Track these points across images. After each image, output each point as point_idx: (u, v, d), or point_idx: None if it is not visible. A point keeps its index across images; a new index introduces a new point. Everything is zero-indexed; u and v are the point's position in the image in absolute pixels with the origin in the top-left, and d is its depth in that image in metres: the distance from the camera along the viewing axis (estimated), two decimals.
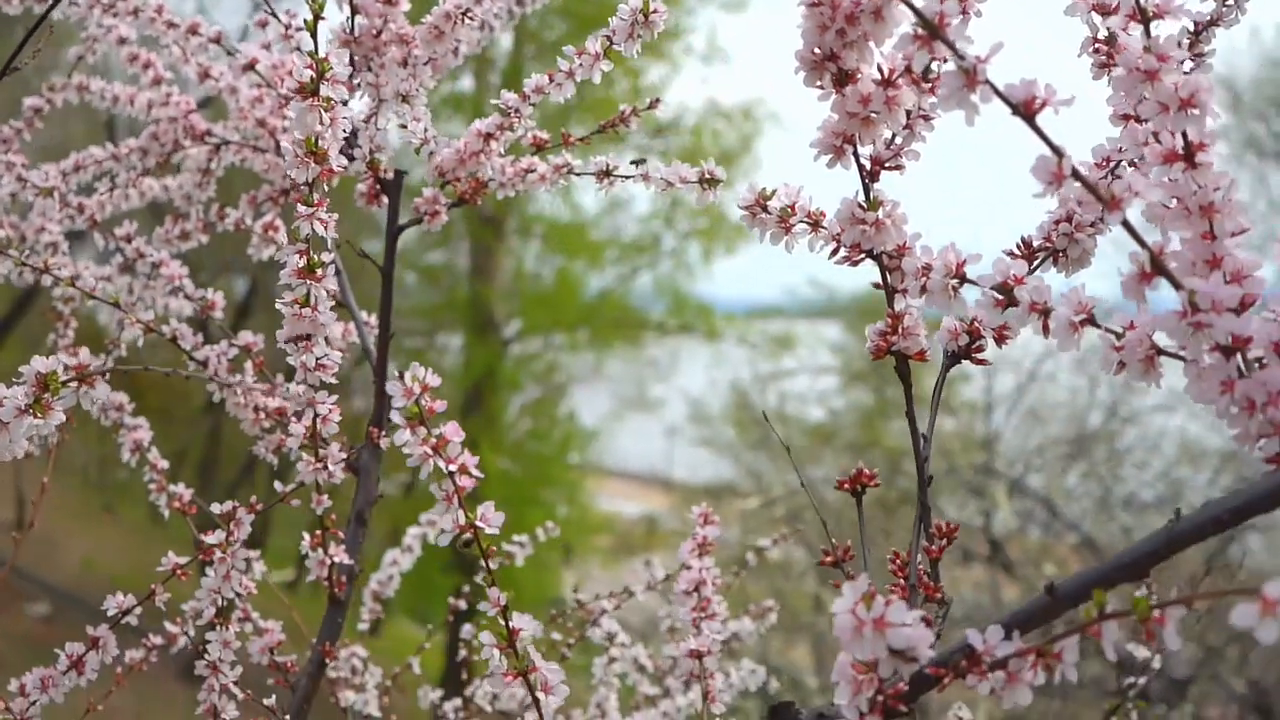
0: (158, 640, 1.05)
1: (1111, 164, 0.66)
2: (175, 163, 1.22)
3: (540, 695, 0.62)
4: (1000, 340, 0.65)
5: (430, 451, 0.60)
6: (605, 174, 0.92)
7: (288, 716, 0.91)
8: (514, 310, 11.59)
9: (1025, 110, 0.49)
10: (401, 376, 0.59)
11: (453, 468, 0.60)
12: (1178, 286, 0.49)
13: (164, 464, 1.07)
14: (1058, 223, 0.65)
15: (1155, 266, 0.50)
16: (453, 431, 0.61)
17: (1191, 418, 7.01)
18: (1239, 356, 0.49)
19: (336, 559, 0.94)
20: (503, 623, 0.62)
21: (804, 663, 6.40)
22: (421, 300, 11.06)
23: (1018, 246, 0.66)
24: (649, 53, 10.79)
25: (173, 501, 1.03)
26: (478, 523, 0.61)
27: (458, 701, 1.33)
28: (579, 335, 11.87)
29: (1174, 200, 0.53)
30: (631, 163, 0.95)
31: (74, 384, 0.64)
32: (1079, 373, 7.33)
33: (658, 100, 0.96)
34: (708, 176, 0.80)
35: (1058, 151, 0.49)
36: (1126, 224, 0.49)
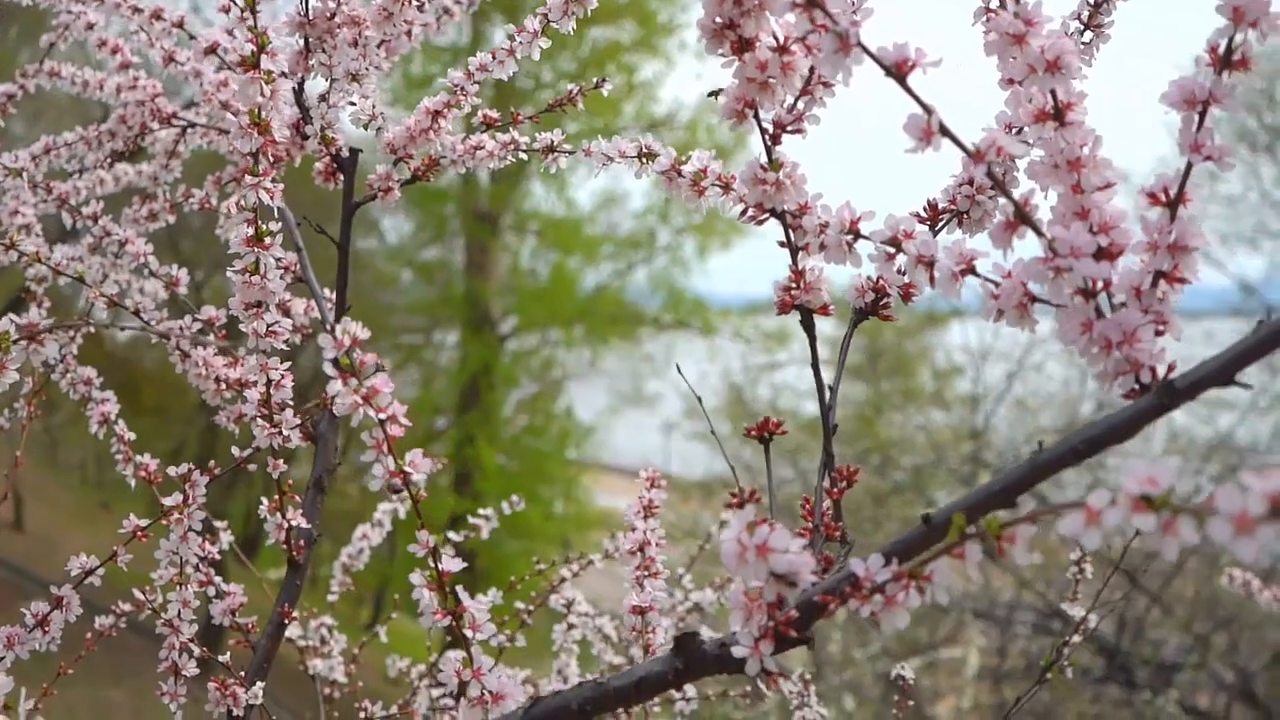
0: (126, 607, 1.09)
1: (1014, 129, 0.70)
2: (144, 146, 1.26)
3: (468, 633, 0.66)
4: (906, 298, 0.68)
5: (360, 401, 0.63)
6: (550, 149, 0.95)
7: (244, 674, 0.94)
8: (510, 306, 11.63)
9: (897, 71, 0.52)
10: (333, 331, 0.62)
11: (383, 416, 0.63)
12: (1040, 234, 0.53)
13: (131, 435, 1.10)
14: (960, 185, 0.69)
15: (1020, 216, 0.53)
16: (383, 383, 0.64)
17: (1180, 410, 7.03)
18: (1098, 300, 0.53)
19: (294, 523, 0.97)
20: (432, 564, 0.66)
21: (796, 655, 6.44)
22: (418, 297, 11.09)
23: (923, 208, 0.69)
24: (643, 49, 10.83)
25: (139, 471, 1.06)
26: (406, 468, 0.64)
27: (422, 667, 1.37)
28: (575, 331, 11.90)
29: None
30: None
31: (23, 342, 0.67)
32: (1070, 365, 7.38)
33: (604, 80, 1.00)
34: (645, 151, 0.83)
35: (927, 109, 0.52)
36: (990, 175, 0.53)
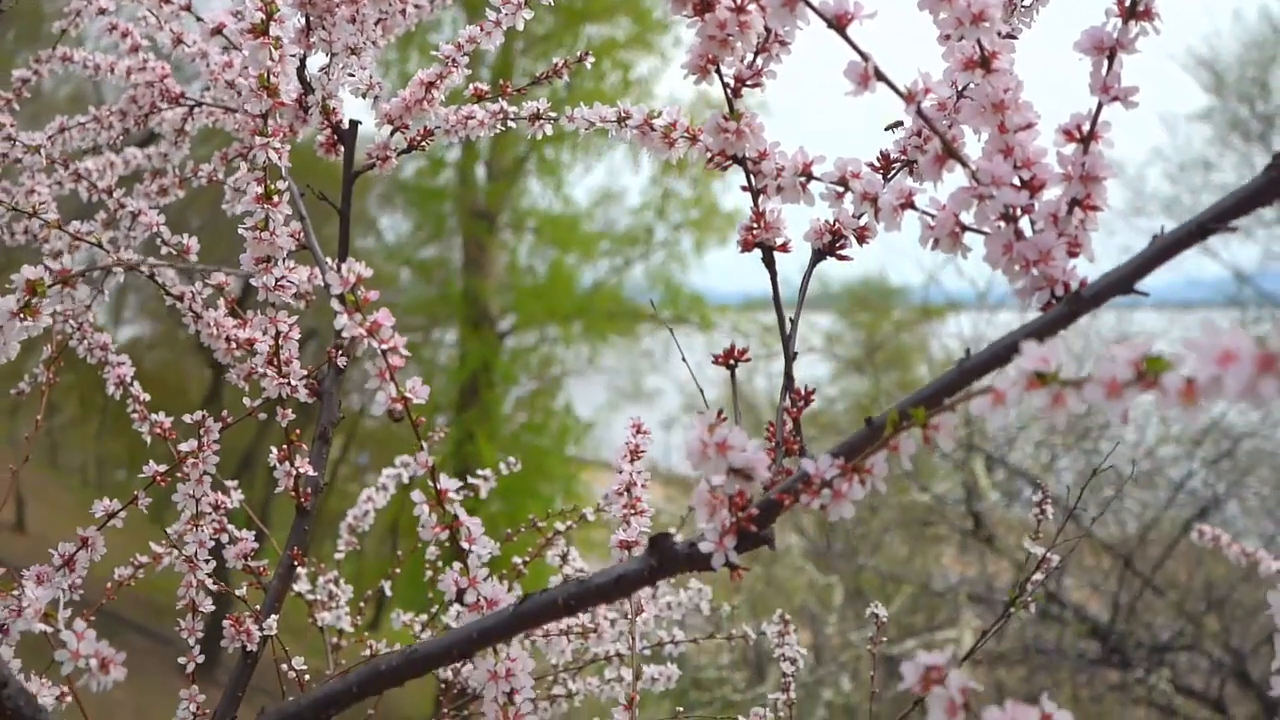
0: (144, 559, 1.15)
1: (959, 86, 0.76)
2: (153, 129, 1.32)
3: (465, 545, 0.72)
4: (860, 239, 0.75)
5: (365, 333, 0.70)
6: (536, 117, 1.02)
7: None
8: (508, 304, 11.69)
9: (838, 23, 0.59)
10: (339, 269, 0.69)
11: (385, 347, 0.70)
12: (965, 166, 0.59)
13: (146, 396, 1.17)
14: (910, 137, 0.75)
15: (947, 150, 0.60)
16: (385, 317, 0.71)
17: None
18: (1019, 224, 0.60)
19: (302, 471, 1.04)
20: (431, 483, 0.73)
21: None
22: (416, 295, 11.14)
23: (876, 158, 0.76)
24: (638, 46, 10.90)
25: (154, 428, 1.13)
26: (407, 394, 0.71)
27: (424, 617, 1.44)
28: (573, 328, 11.95)
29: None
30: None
31: (58, 287, 0.74)
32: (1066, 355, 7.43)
33: (587, 53, 1.07)
34: (623, 115, 0.90)
35: (865, 56, 0.59)
36: (920, 113, 0.59)
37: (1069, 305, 0.56)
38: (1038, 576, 1.10)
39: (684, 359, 1.11)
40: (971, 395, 0.51)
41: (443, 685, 1.50)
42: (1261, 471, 7.29)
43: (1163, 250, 0.55)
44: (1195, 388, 0.40)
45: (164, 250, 1.18)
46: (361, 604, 1.46)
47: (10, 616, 0.70)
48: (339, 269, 0.69)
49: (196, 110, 1.25)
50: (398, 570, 1.54)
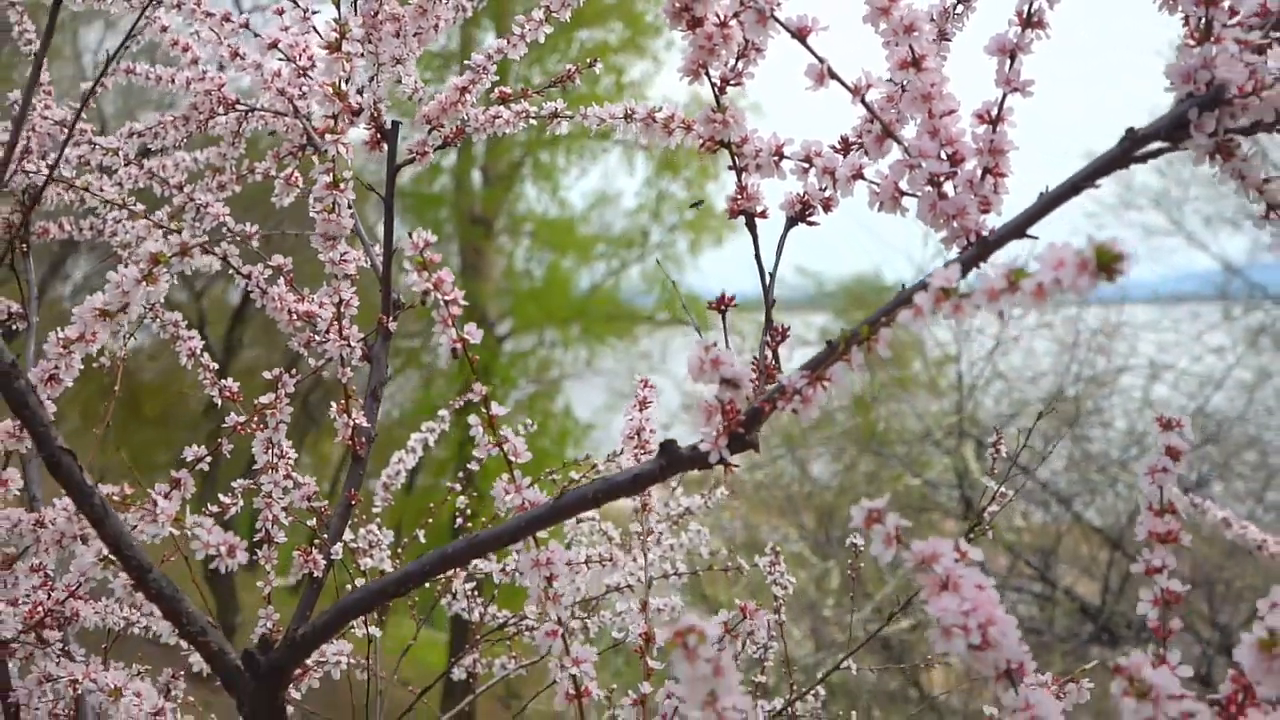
0: (226, 502, 1.32)
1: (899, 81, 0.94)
2: (210, 131, 1.50)
3: (511, 459, 0.90)
4: (826, 208, 0.92)
5: (431, 286, 0.87)
6: (554, 115, 1.19)
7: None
8: (506, 308, 11.86)
9: (800, 35, 0.77)
10: (411, 235, 0.86)
11: (448, 298, 0.88)
12: (899, 143, 0.77)
13: (215, 365, 1.34)
14: (862, 123, 0.93)
15: (885, 132, 0.78)
16: (446, 274, 0.88)
17: (1157, 381, 7.30)
18: (942, 188, 0.77)
19: (358, 422, 1.21)
20: (484, 410, 0.90)
21: (799, 617, 6.67)
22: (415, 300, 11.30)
23: (838, 141, 0.94)
24: (631, 50, 11.09)
25: (224, 392, 1.30)
26: (465, 335, 0.88)
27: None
28: (571, 330, 12.11)
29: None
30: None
31: (177, 257, 0.91)
32: (1052, 340, 7.66)
33: (595, 60, 1.24)
34: (630, 111, 1.07)
35: (821, 60, 0.76)
36: (865, 104, 0.77)
37: (978, 248, 0.74)
38: (993, 508, 1.28)
39: (700, 334, 1.28)
40: (896, 311, 0.68)
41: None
42: (1247, 455, 7.48)
43: (1047, 204, 0.72)
44: (1042, 288, 0.57)
45: (229, 237, 1.35)
46: (400, 549, 1.63)
47: (146, 520, 0.87)
48: (410, 234, 0.86)
49: (250, 115, 1.43)
50: (430, 520, 1.72)
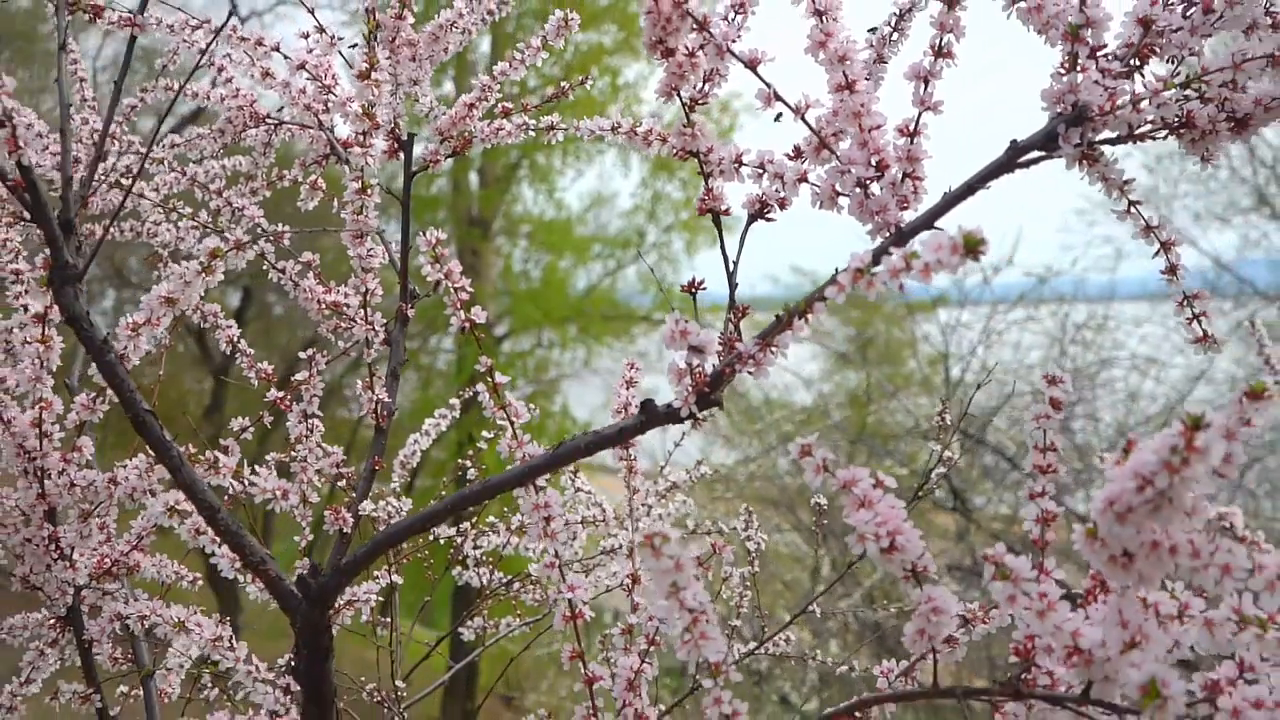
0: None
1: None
2: (241, 141, 1.67)
3: (512, 419, 1.07)
4: (781, 206, 1.09)
5: (443, 276, 1.04)
6: (552, 128, 1.37)
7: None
8: (504, 309, 12.02)
9: (750, 64, 0.94)
10: (424, 233, 1.03)
11: (457, 285, 1.05)
12: (833, 152, 0.94)
13: (251, 351, 1.51)
14: (807, 137, 1.10)
15: (821, 143, 0.95)
16: (455, 265, 1.05)
17: (1138, 374, 7.48)
18: (869, 189, 0.94)
19: (380, 397, 1.38)
20: (490, 379, 1.07)
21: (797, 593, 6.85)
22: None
23: (791, 149, 1.11)
24: (626, 52, 11.26)
25: (260, 374, 1.47)
26: (472, 316, 1.05)
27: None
28: (569, 331, 12.27)
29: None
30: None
31: (232, 251, 1.08)
32: (1041, 333, 7.85)
33: (587, 77, 1.41)
34: (615, 125, 1.24)
35: (768, 85, 0.93)
36: (804, 120, 0.94)
37: (895, 238, 0.91)
38: (940, 470, 1.44)
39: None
40: (838, 280, 0.85)
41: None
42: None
43: (947, 203, 0.89)
44: (928, 266, 0.74)
45: (263, 237, 1.52)
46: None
47: (209, 473, 1.04)
48: (424, 232, 1.03)
49: (279, 128, 1.60)
50: (443, 493, 1.88)
